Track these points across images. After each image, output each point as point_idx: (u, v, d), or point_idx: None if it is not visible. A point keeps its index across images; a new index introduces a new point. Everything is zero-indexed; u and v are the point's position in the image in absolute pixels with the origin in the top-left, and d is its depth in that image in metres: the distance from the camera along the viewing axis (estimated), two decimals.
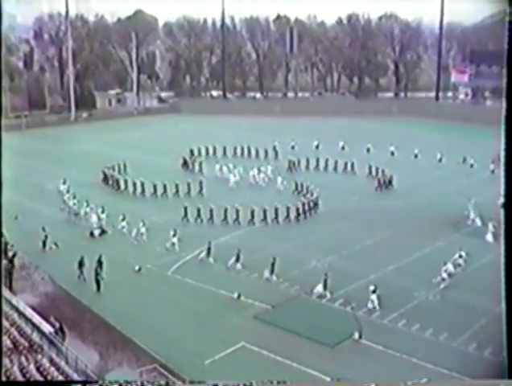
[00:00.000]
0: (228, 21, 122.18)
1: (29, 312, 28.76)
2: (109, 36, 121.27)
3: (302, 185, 52.63)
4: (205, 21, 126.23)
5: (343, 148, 70.26)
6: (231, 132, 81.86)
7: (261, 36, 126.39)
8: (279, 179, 54.95)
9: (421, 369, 25.66)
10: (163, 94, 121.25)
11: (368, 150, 68.77)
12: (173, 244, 39.70)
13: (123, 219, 43.18)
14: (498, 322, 29.23)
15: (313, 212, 47.43)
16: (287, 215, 45.90)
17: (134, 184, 54.10)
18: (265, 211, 45.22)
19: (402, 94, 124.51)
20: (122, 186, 54.67)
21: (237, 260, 36.42)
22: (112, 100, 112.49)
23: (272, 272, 35.02)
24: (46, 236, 40.07)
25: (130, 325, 28.85)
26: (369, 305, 31.36)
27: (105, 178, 56.81)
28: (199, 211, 45.48)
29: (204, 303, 32.28)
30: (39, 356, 24.22)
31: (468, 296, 32.63)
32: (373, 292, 31.63)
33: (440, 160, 64.96)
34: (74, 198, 48.56)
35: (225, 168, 59.12)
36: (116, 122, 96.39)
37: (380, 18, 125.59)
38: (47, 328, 27.04)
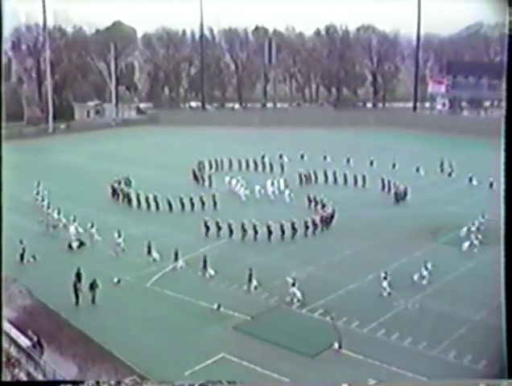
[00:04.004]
0: (207, 32, 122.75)
1: (6, 325, 28.38)
2: (87, 47, 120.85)
3: (315, 199, 51.36)
4: (184, 32, 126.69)
5: (325, 158, 70.49)
6: (211, 143, 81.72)
7: (239, 47, 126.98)
8: (287, 192, 54.37)
9: (401, 378, 25.70)
10: (142, 105, 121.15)
11: (348, 161, 68.95)
12: (118, 244, 40.92)
13: (94, 227, 43.37)
14: (477, 331, 29.63)
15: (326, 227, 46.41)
16: (307, 228, 45.06)
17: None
18: (282, 226, 43.90)
19: (380, 104, 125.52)
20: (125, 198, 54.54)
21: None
22: (90, 111, 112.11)
23: (205, 267, 36.66)
24: (24, 249, 39.67)
25: (109, 337, 28.60)
26: (289, 299, 32.85)
27: (114, 193, 55.67)
28: (223, 225, 44.73)
29: (184, 314, 32.10)
30: (17, 370, 23.93)
31: (447, 305, 32.76)
32: (293, 285, 33.14)
33: (418, 170, 65.40)
34: (52, 210, 48.23)
35: (233, 181, 57.87)
36: (94, 134, 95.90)
37: (358, 30, 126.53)
38: (24, 342, 26.72)
